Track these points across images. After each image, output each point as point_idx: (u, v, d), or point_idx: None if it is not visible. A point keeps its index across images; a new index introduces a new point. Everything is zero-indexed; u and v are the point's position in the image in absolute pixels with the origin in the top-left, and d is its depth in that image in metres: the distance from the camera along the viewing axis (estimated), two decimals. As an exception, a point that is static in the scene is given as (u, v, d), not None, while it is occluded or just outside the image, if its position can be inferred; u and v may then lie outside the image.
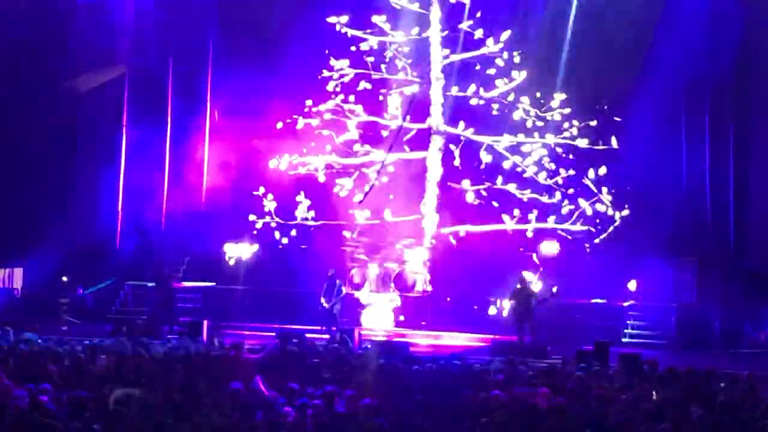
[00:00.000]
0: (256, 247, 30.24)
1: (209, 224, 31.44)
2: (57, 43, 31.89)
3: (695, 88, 29.80)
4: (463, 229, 29.46)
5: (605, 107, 28.90)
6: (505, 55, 29.20)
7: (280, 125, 29.72)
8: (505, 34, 29.17)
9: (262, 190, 29.65)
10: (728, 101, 29.87)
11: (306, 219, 29.80)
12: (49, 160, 31.92)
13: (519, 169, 29.25)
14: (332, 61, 29.78)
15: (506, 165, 29.29)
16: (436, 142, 29.74)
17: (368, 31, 29.70)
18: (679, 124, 30.05)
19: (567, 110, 29.15)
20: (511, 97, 29.31)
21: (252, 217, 29.78)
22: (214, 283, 30.65)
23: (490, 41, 29.18)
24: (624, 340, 27.28)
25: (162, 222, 32.63)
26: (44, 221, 30.95)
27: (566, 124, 29.13)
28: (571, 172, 28.93)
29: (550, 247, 28.32)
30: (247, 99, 31.21)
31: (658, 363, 18.72)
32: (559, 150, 29.16)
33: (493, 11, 29.47)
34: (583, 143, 28.92)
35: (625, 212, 28.51)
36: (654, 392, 15.25)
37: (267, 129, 30.22)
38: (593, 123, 28.88)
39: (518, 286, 25.66)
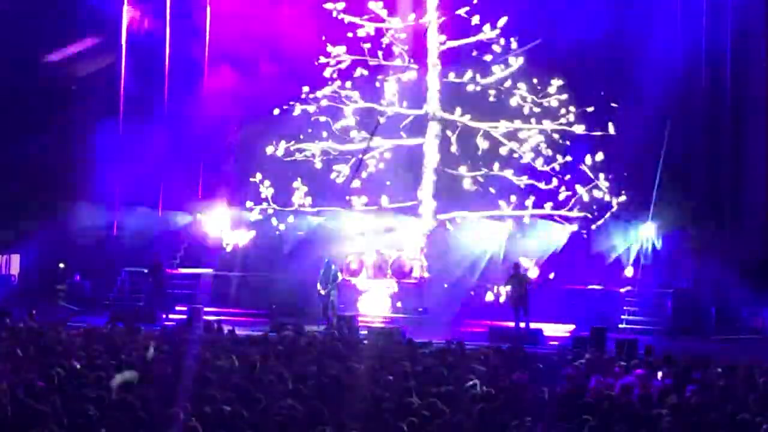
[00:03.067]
0: (253, 233, 30.24)
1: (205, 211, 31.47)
2: (53, 22, 31.73)
3: (691, 73, 29.74)
4: (459, 216, 29.45)
5: (602, 93, 28.85)
6: (502, 41, 29.15)
7: (276, 111, 29.72)
8: (502, 20, 29.10)
9: (259, 176, 29.65)
10: (725, 86, 29.80)
11: (303, 205, 29.81)
12: (45, 147, 31.81)
13: (516, 156, 29.22)
14: (329, 48, 29.74)
15: (503, 151, 29.26)
16: (433, 129, 29.71)
17: (365, 17, 29.65)
18: (675, 111, 29.98)
19: (564, 96, 29.10)
20: (507, 84, 29.28)
21: (249, 204, 29.79)
22: (211, 270, 30.65)
23: (486, 27, 29.12)
24: (621, 326, 27.28)
25: (159, 209, 32.60)
26: (41, 208, 30.87)
27: (563, 110, 29.09)
28: (568, 158, 28.91)
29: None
30: (244, 81, 31.17)
31: (654, 348, 18.76)
32: (555, 136, 29.11)
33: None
34: (579, 129, 28.88)
35: (622, 198, 28.52)
36: (660, 372, 15.33)
37: (264, 113, 30.16)
38: (590, 109, 28.84)
39: (513, 272, 25.72)
